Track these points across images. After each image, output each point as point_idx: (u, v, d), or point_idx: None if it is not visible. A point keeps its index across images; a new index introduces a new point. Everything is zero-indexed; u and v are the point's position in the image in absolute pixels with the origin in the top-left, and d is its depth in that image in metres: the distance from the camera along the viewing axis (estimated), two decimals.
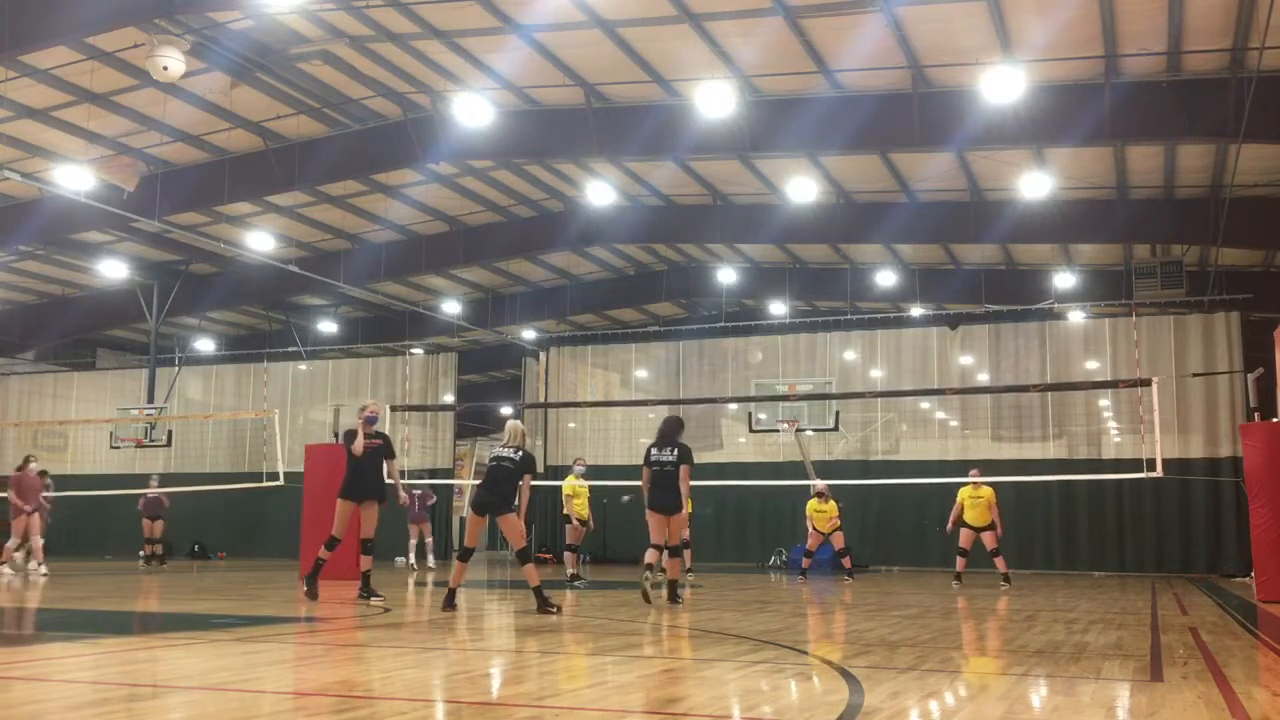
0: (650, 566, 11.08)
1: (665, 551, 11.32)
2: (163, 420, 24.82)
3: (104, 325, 29.08)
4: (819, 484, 18.43)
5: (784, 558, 23.76)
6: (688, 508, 11.70)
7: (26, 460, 17.49)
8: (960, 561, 16.47)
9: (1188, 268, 20.95)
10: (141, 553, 21.52)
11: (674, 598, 11.16)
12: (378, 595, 11.41)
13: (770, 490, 22.97)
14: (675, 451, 11.24)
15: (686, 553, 11.37)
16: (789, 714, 4.63)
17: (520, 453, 10.10)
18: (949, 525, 16.67)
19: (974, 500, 16.22)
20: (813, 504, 18.03)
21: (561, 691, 5.32)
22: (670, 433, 11.40)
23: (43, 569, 16.68)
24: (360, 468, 11.51)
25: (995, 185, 19.42)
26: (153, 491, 21.49)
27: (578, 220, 22.70)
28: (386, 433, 12.64)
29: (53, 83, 16.00)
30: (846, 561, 18.12)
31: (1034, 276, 24.51)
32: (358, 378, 28.74)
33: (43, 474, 20.12)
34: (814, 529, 18.01)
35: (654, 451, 11.33)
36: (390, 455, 11.89)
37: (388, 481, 11.95)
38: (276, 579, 16.33)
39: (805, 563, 18.32)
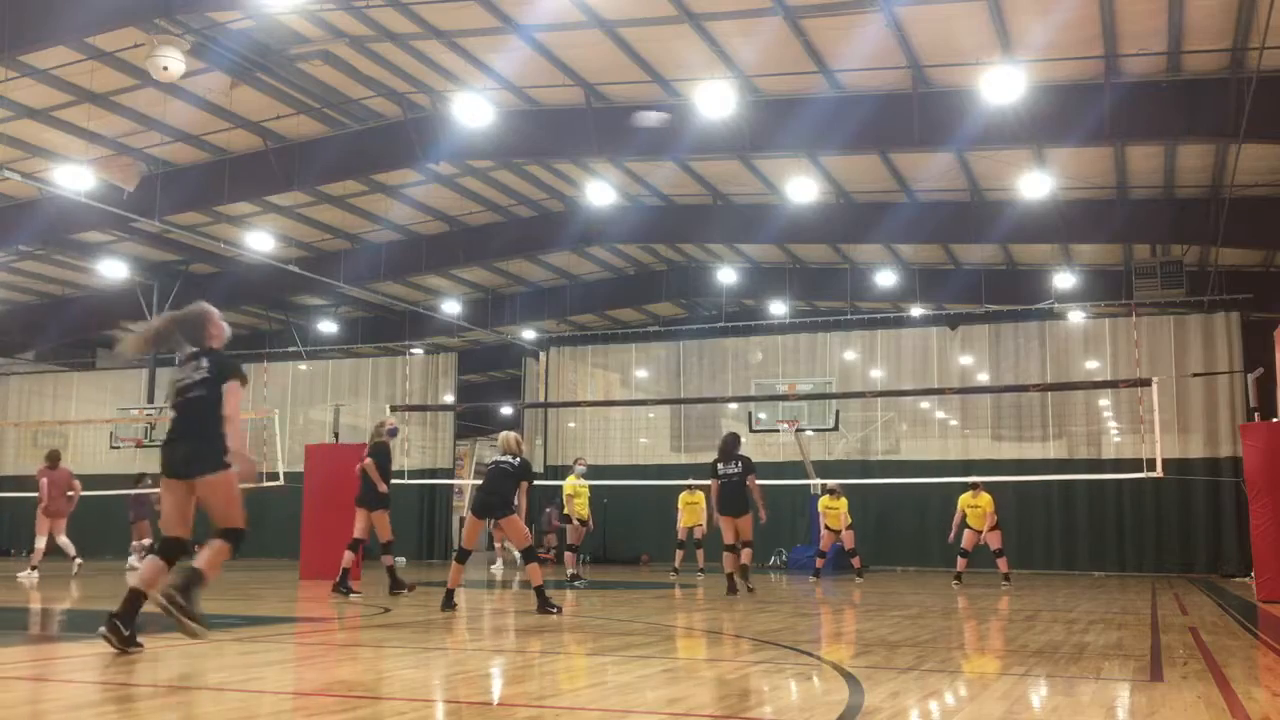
0: (744, 568, 13.06)
1: (738, 548, 13.13)
2: (163, 420, 24.80)
3: (104, 325, 29.02)
4: (830, 482, 18.51)
5: (784, 558, 23.75)
6: (762, 513, 13.34)
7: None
8: (961, 562, 16.76)
9: (1188, 268, 20.94)
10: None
11: (744, 578, 12.96)
12: (356, 592, 12.33)
13: (770, 490, 22.91)
14: (739, 464, 13.07)
15: (746, 551, 13.24)
16: (789, 714, 4.63)
17: (519, 459, 10.24)
18: (950, 536, 17.38)
19: (973, 509, 16.93)
20: (824, 501, 18.01)
21: (561, 691, 5.32)
22: (731, 448, 13.24)
23: (35, 574, 15.82)
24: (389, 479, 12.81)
25: (995, 185, 19.42)
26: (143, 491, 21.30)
27: (578, 220, 22.69)
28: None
29: (53, 83, 15.99)
30: (856, 562, 18.14)
31: (1034, 276, 24.50)
32: (358, 378, 28.74)
33: (140, 477, 20.57)
34: (825, 527, 17.94)
35: (720, 466, 13.17)
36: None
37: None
38: (276, 579, 16.33)
39: (819, 563, 18.23)
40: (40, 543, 16.45)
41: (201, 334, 6.73)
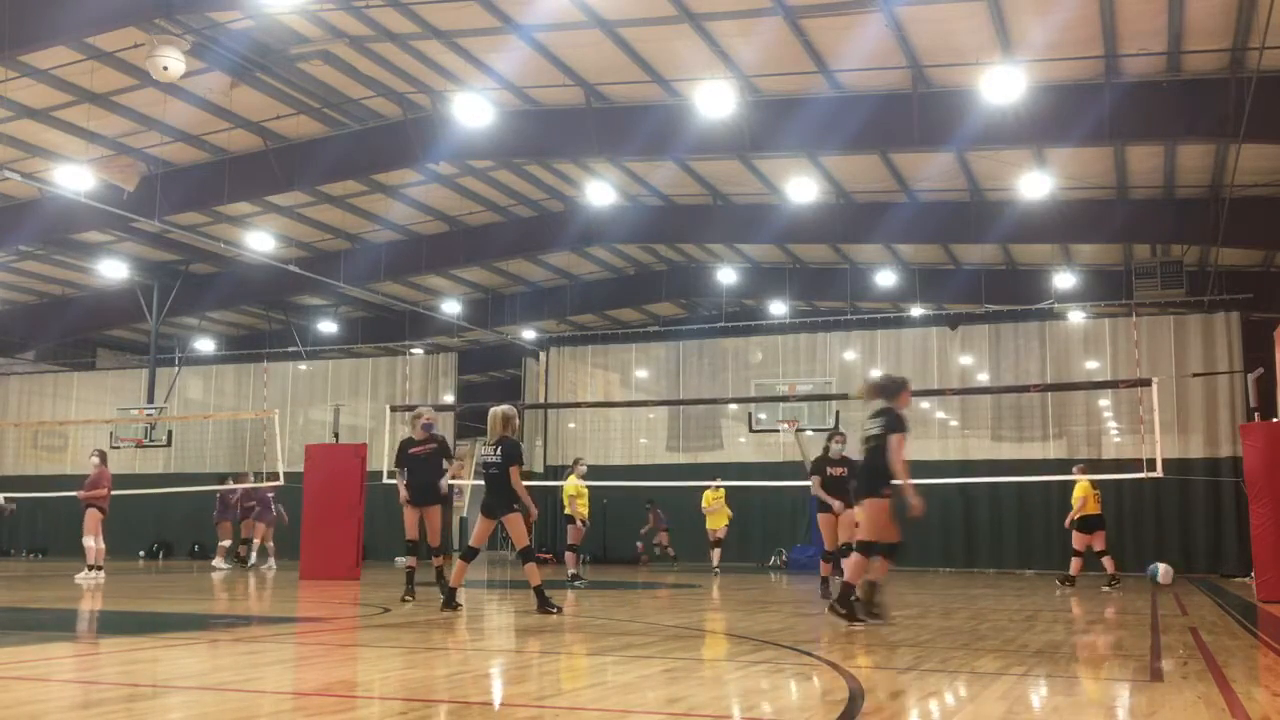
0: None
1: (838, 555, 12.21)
2: (163, 420, 24.81)
3: (104, 325, 29.08)
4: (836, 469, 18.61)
5: (784, 558, 23.75)
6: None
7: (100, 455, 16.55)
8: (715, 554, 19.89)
9: (1188, 268, 20.94)
10: (239, 554, 21.08)
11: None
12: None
13: (770, 490, 22.96)
14: (846, 468, 12.37)
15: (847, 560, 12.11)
16: (789, 714, 4.63)
17: (500, 448, 9.73)
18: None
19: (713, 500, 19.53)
20: None
21: (561, 691, 5.32)
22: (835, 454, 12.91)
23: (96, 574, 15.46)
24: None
25: (995, 185, 19.42)
26: (241, 486, 20.93)
27: (578, 220, 22.70)
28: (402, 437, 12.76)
29: (53, 83, 15.99)
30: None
31: (1034, 276, 24.50)
32: (358, 378, 28.74)
33: (239, 476, 20.90)
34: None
35: (828, 469, 12.66)
36: (448, 456, 12.28)
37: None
38: (276, 579, 16.33)
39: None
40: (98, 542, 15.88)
41: (895, 399, 8.81)
